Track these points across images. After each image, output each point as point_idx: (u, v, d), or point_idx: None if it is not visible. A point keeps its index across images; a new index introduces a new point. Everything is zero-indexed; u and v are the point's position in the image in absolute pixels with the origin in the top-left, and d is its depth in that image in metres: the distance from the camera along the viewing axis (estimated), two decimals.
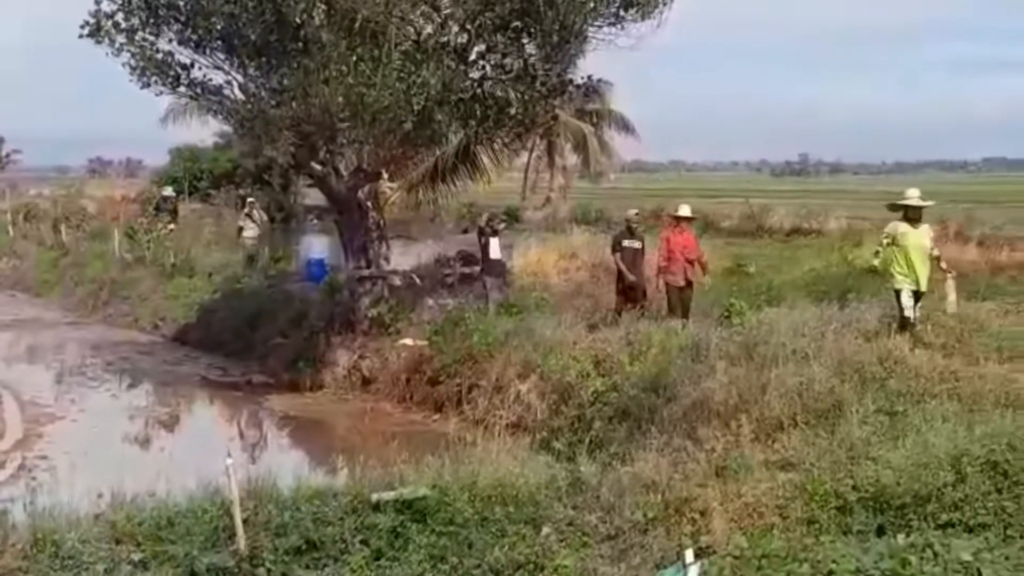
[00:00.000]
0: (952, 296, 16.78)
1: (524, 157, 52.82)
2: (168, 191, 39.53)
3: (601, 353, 16.92)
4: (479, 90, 20.39)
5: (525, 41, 20.14)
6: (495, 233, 23.12)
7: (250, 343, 24.27)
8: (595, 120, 55.05)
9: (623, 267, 20.91)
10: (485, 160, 24.53)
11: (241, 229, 32.88)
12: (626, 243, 21.18)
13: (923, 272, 16.12)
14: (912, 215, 16.38)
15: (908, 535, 9.31)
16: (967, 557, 8.49)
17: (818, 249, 31.98)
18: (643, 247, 21.39)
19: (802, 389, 13.46)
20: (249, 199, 35.64)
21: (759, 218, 45.70)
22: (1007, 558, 8.72)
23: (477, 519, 10.95)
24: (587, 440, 14.86)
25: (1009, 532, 9.58)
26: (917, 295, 16.08)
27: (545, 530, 10.71)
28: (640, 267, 21.09)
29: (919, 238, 16.27)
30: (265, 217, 34.00)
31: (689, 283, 20.35)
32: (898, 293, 16.08)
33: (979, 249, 32.17)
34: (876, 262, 16.87)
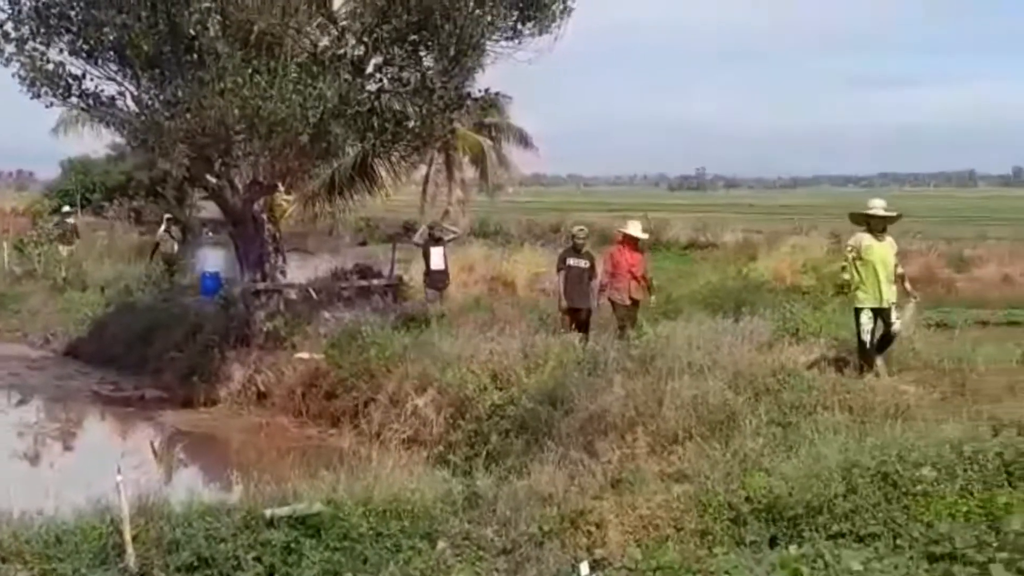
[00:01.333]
0: (907, 316, 15.93)
1: (422, 171, 52.79)
2: (67, 210, 38.80)
3: (499, 366, 16.89)
4: (376, 103, 20.31)
5: (423, 54, 20.15)
6: (438, 242, 22.95)
7: (143, 357, 23.91)
8: (493, 134, 55.18)
9: (561, 290, 20.01)
10: (383, 173, 24.49)
11: (158, 245, 32.58)
12: (572, 261, 20.11)
13: (887, 289, 15.16)
14: (876, 227, 15.88)
15: (800, 545, 9.39)
16: (857, 567, 8.59)
17: (714, 262, 32.40)
18: (592, 266, 20.18)
19: (697, 402, 13.57)
20: (167, 215, 35.32)
21: (657, 232, 46.10)
22: (896, 567, 8.84)
23: (372, 534, 10.84)
24: (484, 454, 14.85)
25: (898, 542, 9.71)
26: (878, 313, 15.15)
27: (440, 544, 10.64)
28: (587, 288, 19.91)
29: (884, 252, 15.32)
30: (181, 236, 33.78)
31: (635, 302, 19.53)
32: (858, 313, 15.19)
33: None
34: (846, 276, 15.72)
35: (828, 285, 16.84)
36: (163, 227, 33.30)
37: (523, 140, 57.57)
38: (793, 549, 9.13)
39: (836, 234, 35.13)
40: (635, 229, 19.97)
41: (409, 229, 50.08)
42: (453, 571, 10.17)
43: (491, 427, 15.77)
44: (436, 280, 23.13)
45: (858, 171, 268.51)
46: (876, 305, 15.09)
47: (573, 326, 19.33)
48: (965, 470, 10.55)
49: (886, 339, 15.33)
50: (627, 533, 10.62)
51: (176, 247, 32.56)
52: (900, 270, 15.47)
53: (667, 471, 11.86)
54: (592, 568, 9.87)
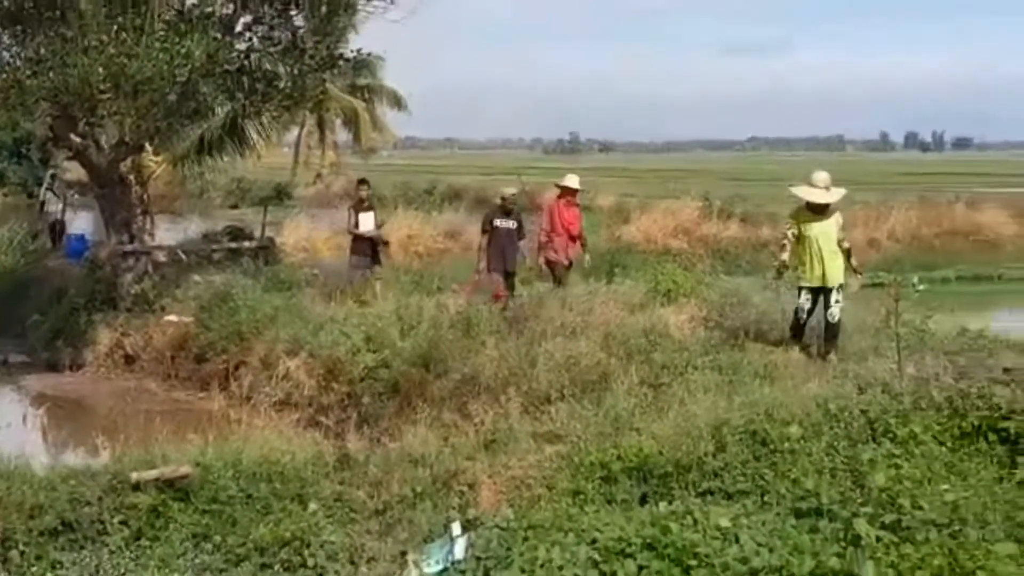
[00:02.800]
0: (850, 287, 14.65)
1: (294, 132, 52.36)
2: None
3: (372, 329, 16.77)
4: (246, 62, 20.01)
5: (293, 13, 19.90)
6: (370, 208, 21.38)
7: (6, 322, 23.27)
8: (366, 95, 54.99)
9: (481, 256, 19.11)
10: (253, 134, 24.01)
11: (44, 204, 31.65)
12: (499, 222, 19.18)
13: (831, 265, 14.23)
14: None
15: (670, 503, 9.47)
16: (726, 523, 8.65)
17: (588, 225, 32.53)
18: (520, 226, 19.36)
19: (570, 363, 13.63)
20: (51, 172, 34.29)
21: (532, 195, 46.18)
22: (764, 524, 8.93)
23: (242, 496, 10.71)
24: (356, 416, 14.79)
25: (766, 499, 9.84)
26: (819, 292, 14.27)
27: (312, 506, 10.55)
28: (514, 248, 19.11)
29: (826, 227, 14.39)
30: (67, 192, 32.73)
31: (571, 263, 19.11)
32: (799, 292, 14.39)
33: (741, 225, 33.30)
34: (784, 257, 14.75)
35: (699, 247, 16.89)
36: (45, 185, 32.36)
37: (397, 102, 57.48)
38: (663, 506, 9.19)
39: (707, 198, 35.56)
40: (572, 181, 19.46)
41: (281, 192, 49.76)
42: (324, 533, 10.10)
43: (364, 390, 15.66)
44: (362, 248, 21.06)
45: (731, 136, 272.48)
46: (817, 285, 14.26)
47: (501, 295, 18.32)
48: (831, 428, 10.75)
49: (828, 328, 14.38)
50: (500, 493, 10.63)
51: (60, 206, 31.58)
52: (846, 245, 14.45)
53: (540, 431, 11.88)
54: (464, 528, 9.86)
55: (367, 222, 20.92)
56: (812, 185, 14.41)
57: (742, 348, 14.49)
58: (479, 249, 19.43)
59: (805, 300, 14.31)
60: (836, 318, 14.20)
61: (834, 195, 14.49)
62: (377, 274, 20.71)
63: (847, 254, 14.47)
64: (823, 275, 14.16)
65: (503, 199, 19.81)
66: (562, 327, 14.95)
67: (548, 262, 19.04)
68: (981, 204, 39.60)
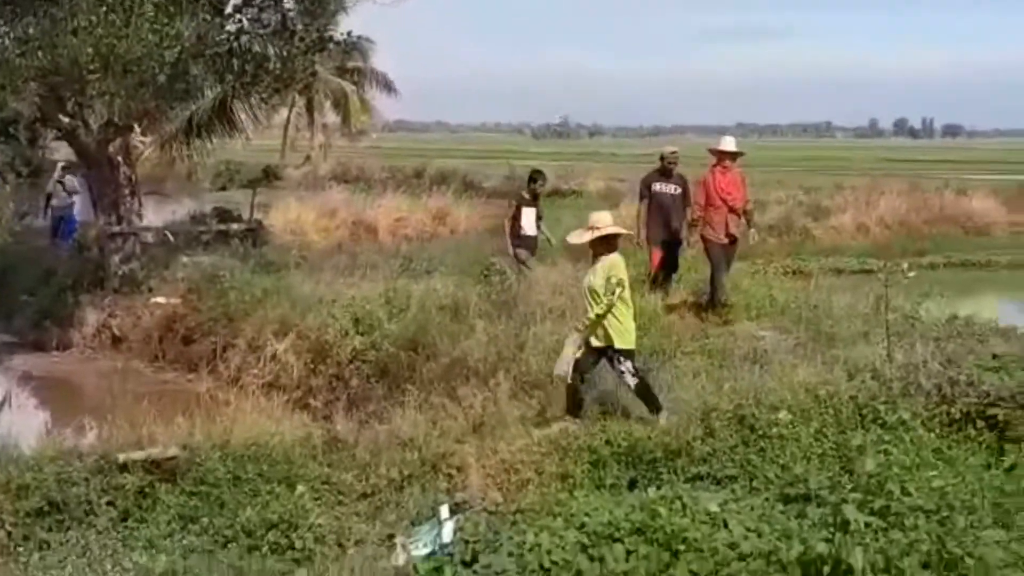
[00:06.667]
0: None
1: (283, 115, 52.23)
2: None
3: (360, 311, 16.73)
4: (236, 44, 19.92)
5: None
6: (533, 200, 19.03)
7: None
8: (356, 78, 54.95)
9: (645, 222, 17.37)
10: (243, 116, 23.93)
11: (50, 197, 31.18)
12: (658, 187, 17.50)
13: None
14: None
15: (659, 488, 9.46)
16: (714, 508, 8.65)
17: (578, 209, 32.46)
18: (686, 192, 17.44)
19: (559, 347, 13.59)
20: (62, 164, 33.81)
21: (520, 179, 46.21)
22: (752, 508, 8.94)
23: (229, 478, 10.68)
24: (344, 399, 14.77)
25: (755, 484, 9.85)
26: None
27: (299, 489, 10.52)
28: (679, 217, 17.32)
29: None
30: (76, 185, 32.12)
31: (733, 239, 16.59)
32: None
33: None
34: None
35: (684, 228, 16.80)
36: (56, 176, 31.79)
37: (387, 85, 57.44)
38: (652, 491, 9.17)
39: (698, 182, 35.54)
40: (729, 144, 16.80)
41: (270, 174, 49.64)
42: (311, 515, 10.08)
43: (352, 372, 15.65)
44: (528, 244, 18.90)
45: (719, 121, 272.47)
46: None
47: (659, 267, 17.24)
48: (820, 413, 10.74)
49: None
50: (488, 477, 10.62)
51: (68, 202, 30.97)
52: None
53: (528, 415, 11.86)
54: (452, 512, 9.85)
55: (530, 220, 18.81)
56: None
57: (732, 333, 14.51)
58: (637, 217, 17.78)
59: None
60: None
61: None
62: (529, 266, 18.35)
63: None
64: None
65: (662, 158, 17.90)
66: (550, 311, 14.92)
67: (704, 241, 16.57)
68: (971, 191, 39.72)
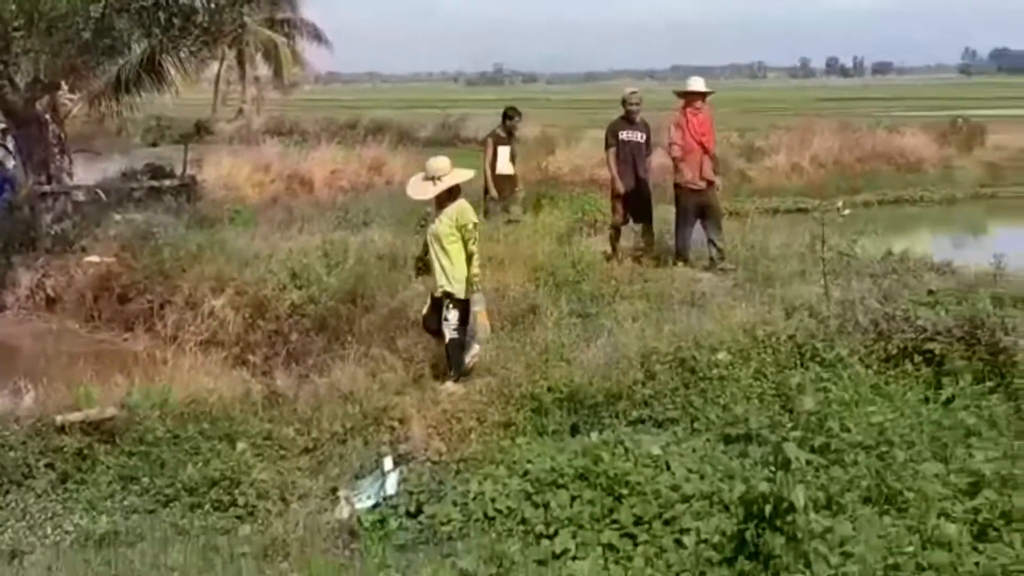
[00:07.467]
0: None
1: (214, 68, 51.61)
2: None
3: (298, 265, 16.60)
4: None
5: None
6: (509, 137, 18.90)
7: None
8: (286, 30, 54.40)
9: (614, 171, 16.73)
10: (171, 70, 23.58)
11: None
12: (624, 135, 16.78)
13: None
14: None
15: (601, 432, 9.51)
16: (656, 451, 8.73)
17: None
18: (648, 139, 16.99)
19: (499, 295, 13.58)
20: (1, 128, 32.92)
21: (455, 127, 46.12)
22: (693, 450, 9.02)
23: (169, 437, 10.57)
24: (284, 353, 14.63)
25: (696, 425, 9.92)
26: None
27: (240, 445, 10.45)
28: (645, 165, 16.85)
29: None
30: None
31: (710, 183, 16.11)
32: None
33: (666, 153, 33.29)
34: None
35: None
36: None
37: (317, 36, 56.91)
38: (594, 436, 9.23)
39: (674, 124, 35.52)
40: (698, 84, 16.44)
41: (202, 128, 49.08)
42: (254, 471, 10.03)
43: (291, 326, 15.52)
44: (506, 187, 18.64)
45: (653, 65, 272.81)
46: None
47: (626, 215, 16.81)
48: (759, 353, 10.82)
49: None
50: (430, 427, 10.58)
51: (12, 163, 30.27)
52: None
53: (469, 365, 11.84)
54: (396, 463, 9.86)
55: (504, 160, 18.63)
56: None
57: (671, 277, 14.55)
58: (608, 166, 17.19)
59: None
60: None
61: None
62: (515, 215, 18.25)
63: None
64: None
65: (624, 102, 17.11)
66: (490, 260, 14.88)
67: (677, 188, 16.16)
68: (902, 128, 40.02)
